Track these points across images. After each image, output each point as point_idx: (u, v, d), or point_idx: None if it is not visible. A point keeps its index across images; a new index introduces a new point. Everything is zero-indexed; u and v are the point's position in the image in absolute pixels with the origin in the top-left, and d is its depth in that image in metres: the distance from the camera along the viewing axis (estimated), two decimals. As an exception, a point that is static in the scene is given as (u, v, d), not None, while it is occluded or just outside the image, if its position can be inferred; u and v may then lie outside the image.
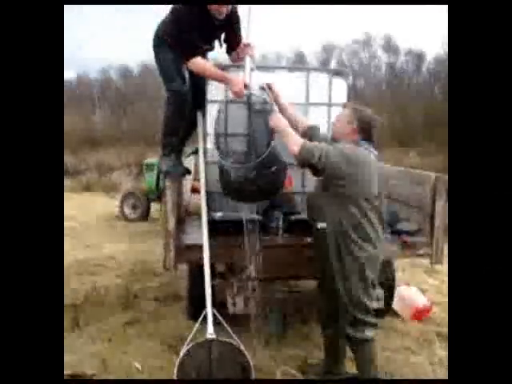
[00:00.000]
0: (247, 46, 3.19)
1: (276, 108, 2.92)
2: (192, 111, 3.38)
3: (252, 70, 3.09)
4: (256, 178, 2.79)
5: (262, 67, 3.36)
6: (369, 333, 2.64)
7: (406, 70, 18.71)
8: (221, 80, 3.10)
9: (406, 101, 14.65)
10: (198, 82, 3.28)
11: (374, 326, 2.66)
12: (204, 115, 3.35)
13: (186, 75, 3.25)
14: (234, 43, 3.33)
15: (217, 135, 3.08)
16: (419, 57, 19.11)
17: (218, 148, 3.01)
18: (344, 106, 2.87)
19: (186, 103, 3.27)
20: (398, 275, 4.06)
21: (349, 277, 2.57)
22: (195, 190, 3.96)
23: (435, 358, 3.35)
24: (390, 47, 19.34)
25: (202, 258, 2.96)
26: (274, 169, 2.85)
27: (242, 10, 3.26)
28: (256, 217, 3.27)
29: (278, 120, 2.81)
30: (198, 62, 3.09)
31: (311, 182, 3.04)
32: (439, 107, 13.67)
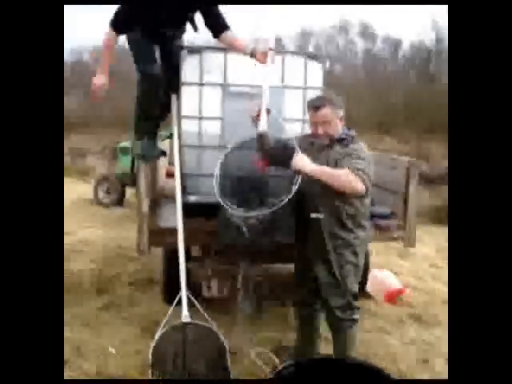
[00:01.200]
0: (264, 53, 2.85)
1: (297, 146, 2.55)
2: (166, 93, 3.33)
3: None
4: (274, 228, 2.50)
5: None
6: (356, 316, 2.70)
7: (382, 57, 18.80)
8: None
9: (382, 87, 14.74)
10: (172, 64, 3.22)
11: (359, 308, 2.72)
12: (179, 98, 3.30)
13: (158, 56, 3.17)
14: (216, 24, 2.95)
15: (222, 181, 2.65)
16: (395, 44, 19.22)
17: (224, 195, 2.59)
18: (318, 108, 2.58)
19: (159, 85, 3.20)
20: (372, 258, 4.13)
21: (344, 264, 2.58)
22: (170, 175, 3.92)
23: (407, 338, 3.44)
24: (366, 34, 19.39)
25: (176, 242, 2.94)
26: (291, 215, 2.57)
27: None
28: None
29: (302, 160, 2.45)
30: None
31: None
32: (415, 94, 13.81)
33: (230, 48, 3.06)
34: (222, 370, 2.76)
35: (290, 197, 2.37)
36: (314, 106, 2.60)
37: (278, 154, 2.60)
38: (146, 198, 3.01)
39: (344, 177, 2.39)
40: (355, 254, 2.59)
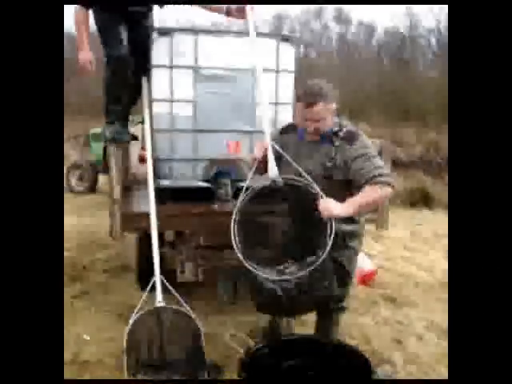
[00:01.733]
0: (239, 9, 2.91)
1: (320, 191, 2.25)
2: (136, 76, 3.26)
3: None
4: (313, 289, 2.19)
5: (210, 32, 3.28)
6: (344, 304, 2.74)
7: (356, 42, 18.86)
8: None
9: (357, 72, 14.80)
10: (141, 45, 3.15)
11: (348, 296, 2.78)
12: (149, 80, 3.24)
13: (125, 37, 3.10)
14: None
15: (243, 239, 2.26)
16: (370, 29, 19.29)
17: (247, 256, 2.21)
18: (310, 104, 2.33)
19: (127, 68, 3.13)
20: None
21: (344, 251, 2.51)
22: (143, 160, 3.87)
23: (379, 318, 3.49)
24: (341, 19, 19.40)
25: (149, 227, 2.91)
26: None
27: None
28: (204, 184, 3.25)
29: (329, 205, 2.19)
30: None
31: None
32: (389, 80, 13.90)
33: (205, 9, 3.04)
34: (197, 354, 2.76)
35: (326, 252, 2.11)
36: (307, 102, 2.33)
37: (301, 205, 2.31)
38: (118, 183, 2.96)
39: (376, 196, 2.24)
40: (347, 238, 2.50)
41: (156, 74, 3.14)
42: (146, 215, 2.92)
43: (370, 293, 3.94)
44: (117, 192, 2.95)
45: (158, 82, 3.12)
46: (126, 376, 2.53)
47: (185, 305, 2.81)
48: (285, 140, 2.55)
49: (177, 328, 2.83)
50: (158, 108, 3.16)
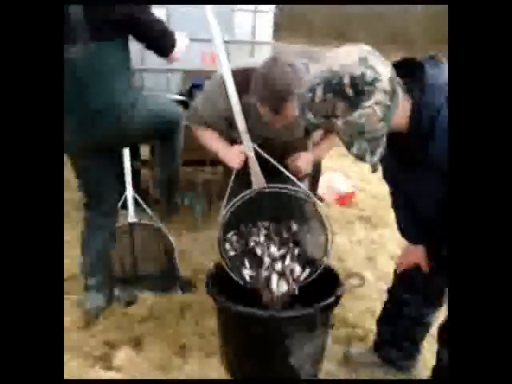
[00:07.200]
0: None
1: None
2: None
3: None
4: None
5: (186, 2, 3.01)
6: None
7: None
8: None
9: None
10: None
11: None
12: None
13: None
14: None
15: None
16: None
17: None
18: (279, 111, 1.95)
19: None
20: (327, 163, 4.10)
21: None
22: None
23: (354, 238, 3.52)
24: None
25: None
26: None
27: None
28: (179, 97, 3.10)
29: (300, 162, 2.18)
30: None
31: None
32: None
33: None
34: (171, 270, 2.76)
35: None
36: (273, 108, 1.94)
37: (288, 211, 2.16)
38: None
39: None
40: None
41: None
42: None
43: (346, 213, 3.94)
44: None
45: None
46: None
47: (157, 220, 2.76)
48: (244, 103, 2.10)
49: (150, 244, 2.81)
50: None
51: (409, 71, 1.52)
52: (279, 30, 4.99)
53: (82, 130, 2.20)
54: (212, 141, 2.25)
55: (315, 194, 3.97)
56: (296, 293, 2.00)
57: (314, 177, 3.76)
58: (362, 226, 3.75)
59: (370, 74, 1.34)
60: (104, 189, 2.47)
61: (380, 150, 1.44)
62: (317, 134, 2.31)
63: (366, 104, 1.35)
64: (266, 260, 2.05)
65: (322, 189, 4.03)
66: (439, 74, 1.47)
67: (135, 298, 2.63)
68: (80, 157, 2.34)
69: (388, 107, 1.38)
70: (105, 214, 2.51)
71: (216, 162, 2.97)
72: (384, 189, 2.10)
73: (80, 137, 2.22)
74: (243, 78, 2.03)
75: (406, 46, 10.89)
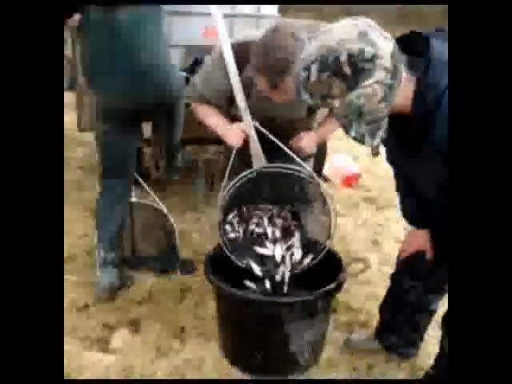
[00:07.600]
0: None
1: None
2: None
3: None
4: None
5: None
6: None
7: None
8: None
9: None
10: None
11: None
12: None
13: None
14: None
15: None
16: None
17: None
18: (276, 85, 1.83)
19: None
20: (334, 143, 4.01)
21: None
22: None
23: (359, 220, 3.45)
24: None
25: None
26: None
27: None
28: (183, 74, 3.00)
29: (308, 140, 2.11)
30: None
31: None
32: None
33: None
34: (171, 250, 2.71)
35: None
36: (270, 82, 1.83)
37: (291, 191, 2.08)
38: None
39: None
40: None
41: None
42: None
43: (352, 195, 3.87)
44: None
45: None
46: (97, 271, 2.47)
47: (158, 200, 2.70)
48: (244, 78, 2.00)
49: (150, 224, 2.76)
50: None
51: (413, 46, 1.38)
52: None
53: (126, 91, 2.25)
54: (211, 118, 2.15)
55: (320, 175, 3.89)
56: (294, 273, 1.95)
57: (320, 157, 3.68)
58: (367, 207, 3.68)
59: (369, 50, 1.21)
60: (128, 163, 2.53)
61: (380, 133, 1.32)
62: (321, 113, 2.23)
63: (366, 83, 1.23)
64: (267, 243, 1.99)
65: (327, 170, 3.96)
66: (446, 49, 1.31)
67: (132, 279, 2.59)
68: (112, 125, 2.38)
69: (389, 86, 1.25)
70: (124, 188, 2.57)
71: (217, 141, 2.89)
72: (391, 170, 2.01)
73: (124, 97, 2.27)
74: (243, 51, 1.91)
75: (418, 27, 10.67)
